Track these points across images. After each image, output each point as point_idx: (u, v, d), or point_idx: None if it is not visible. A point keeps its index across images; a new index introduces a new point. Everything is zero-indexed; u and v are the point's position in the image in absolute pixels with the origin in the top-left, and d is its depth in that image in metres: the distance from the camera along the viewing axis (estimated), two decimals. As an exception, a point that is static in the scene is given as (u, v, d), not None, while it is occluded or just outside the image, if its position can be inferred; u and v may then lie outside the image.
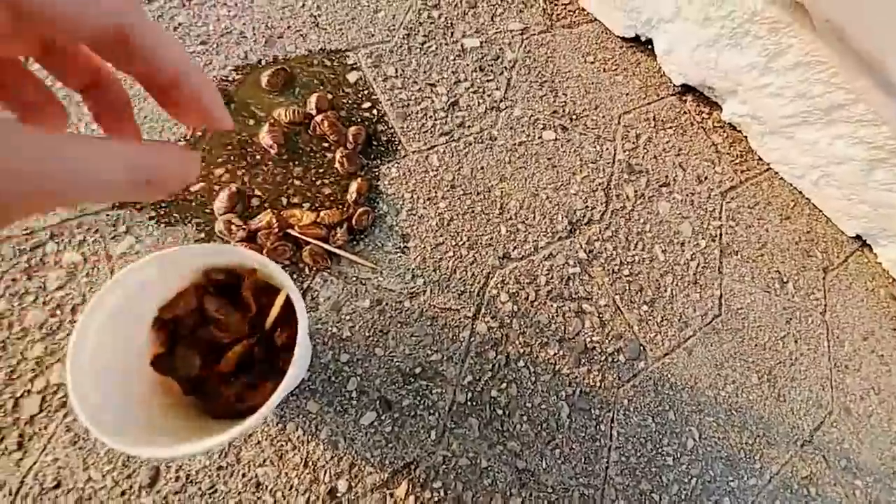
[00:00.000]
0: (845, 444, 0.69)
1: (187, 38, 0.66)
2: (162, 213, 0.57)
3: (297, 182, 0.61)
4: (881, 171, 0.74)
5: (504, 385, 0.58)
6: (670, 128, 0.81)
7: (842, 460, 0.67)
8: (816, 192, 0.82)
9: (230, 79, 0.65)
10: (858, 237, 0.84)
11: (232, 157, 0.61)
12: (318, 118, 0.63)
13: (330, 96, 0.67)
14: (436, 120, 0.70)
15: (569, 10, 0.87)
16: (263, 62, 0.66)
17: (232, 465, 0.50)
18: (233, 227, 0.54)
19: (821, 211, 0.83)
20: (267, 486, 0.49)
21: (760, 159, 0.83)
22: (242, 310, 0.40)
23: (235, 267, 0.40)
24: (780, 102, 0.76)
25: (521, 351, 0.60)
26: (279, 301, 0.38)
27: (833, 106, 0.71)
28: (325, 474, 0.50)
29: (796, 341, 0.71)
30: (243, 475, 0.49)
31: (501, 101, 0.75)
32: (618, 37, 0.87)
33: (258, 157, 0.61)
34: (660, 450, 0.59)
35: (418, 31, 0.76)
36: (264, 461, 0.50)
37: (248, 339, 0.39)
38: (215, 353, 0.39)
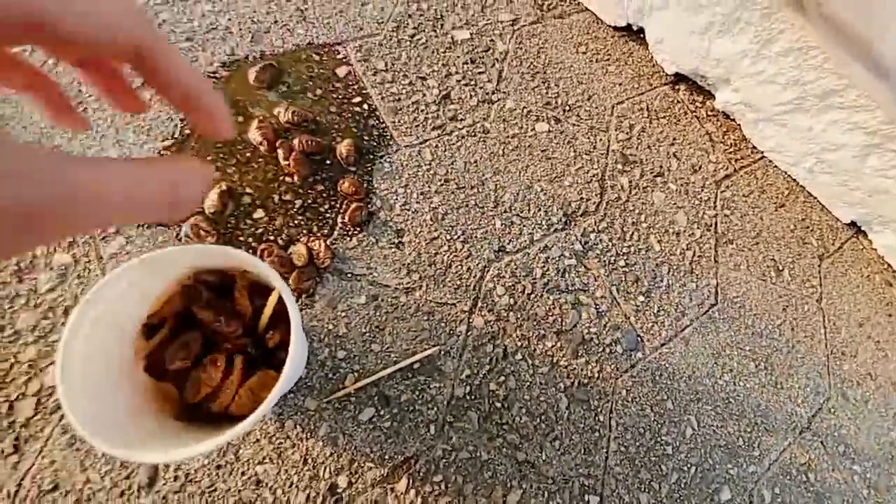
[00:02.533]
0: (843, 429, 0.69)
1: (172, 35, 0.65)
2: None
3: (288, 179, 0.61)
4: (875, 157, 0.74)
5: (502, 378, 0.58)
6: (664, 117, 0.81)
7: (840, 446, 0.68)
8: (811, 179, 0.82)
9: (217, 75, 0.64)
10: (853, 224, 0.85)
11: (221, 155, 0.60)
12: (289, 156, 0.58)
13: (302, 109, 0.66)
14: (427, 113, 0.70)
15: (559, 0, 0.86)
16: (251, 58, 0.66)
17: (231, 464, 0.49)
18: (201, 231, 0.53)
19: (815, 198, 0.83)
20: (267, 484, 0.49)
21: (754, 147, 0.83)
22: (237, 315, 0.40)
23: (226, 268, 0.39)
24: (774, 89, 0.75)
25: (519, 344, 0.60)
26: (271, 301, 0.37)
27: (826, 92, 0.71)
28: (324, 471, 0.50)
29: (793, 329, 0.71)
30: (242, 473, 0.49)
31: (493, 93, 0.74)
32: (609, 26, 0.86)
33: (248, 154, 0.60)
34: (658, 439, 0.59)
35: (407, 23, 0.75)
36: (263, 459, 0.50)
37: (239, 342, 0.38)
38: (208, 351, 0.39)
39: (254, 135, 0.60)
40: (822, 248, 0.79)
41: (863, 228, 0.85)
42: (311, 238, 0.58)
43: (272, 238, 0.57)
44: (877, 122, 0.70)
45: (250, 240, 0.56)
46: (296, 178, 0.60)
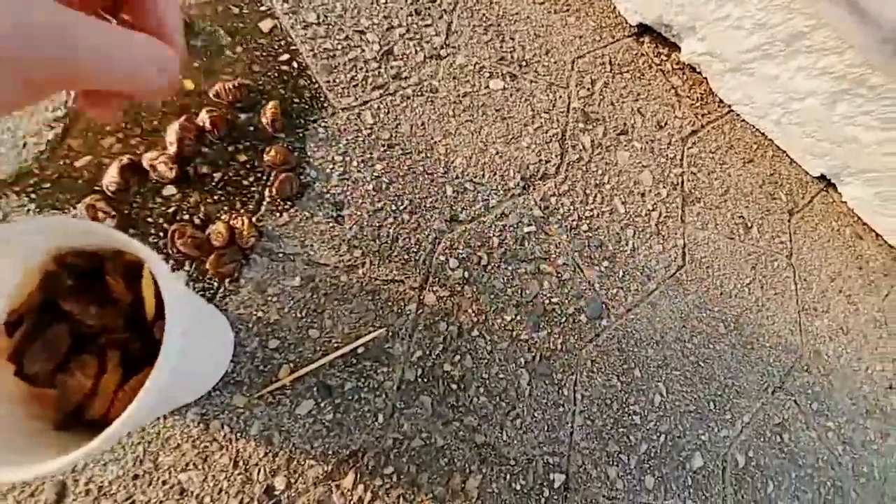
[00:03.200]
0: (816, 387, 0.67)
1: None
2: (42, 193, 0.48)
3: (205, 150, 0.53)
4: (843, 103, 0.70)
5: (458, 357, 0.53)
6: (627, 72, 0.75)
7: (813, 404, 0.66)
8: (779, 131, 0.78)
9: (115, 33, 0.55)
10: (823, 177, 0.82)
11: (125, 124, 0.52)
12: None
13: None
14: (367, 72, 0.63)
15: (513, -54, 0.78)
16: (154, 12, 0.57)
17: (150, 473, 0.44)
18: (99, 213, 0.46)
19: (784, 152, 0.80)
20: (192, 492, 0.44)
21: (721, 101, 0.79)
22: (112, 303, 0.33)
23: (94, 249, 0.32)
24: (740, 35, 0.71)
25: (475, 320, 0.55)
26: (147, 282, 0.31)
27: (793, 35, 0.67)
28: (258, 473, 0.45)
29: (762, 287, 0.68)
30: (164, 482, 0.44)
31: (442, 48, 0.67)
32: (568, -26, 0.79)
33: (155, 122, 0.52)
34: (626, 409, 0.56)
35: (342, -28, 0.67)
36: (187, 465, 0.44)
37: (119, 336, 0.32)
38: (82, 348, 0.32)
39: (204, 119, 0.51)
40: (791, 203, 0.77)
41: (832, 181, 0.82)
42: (234, 215, 0.51)
43: (186, 218, 0.50)
44: (845, 66, 0.66)
45: (160, 220, 0.49)
46: (217, 130, 0.52)
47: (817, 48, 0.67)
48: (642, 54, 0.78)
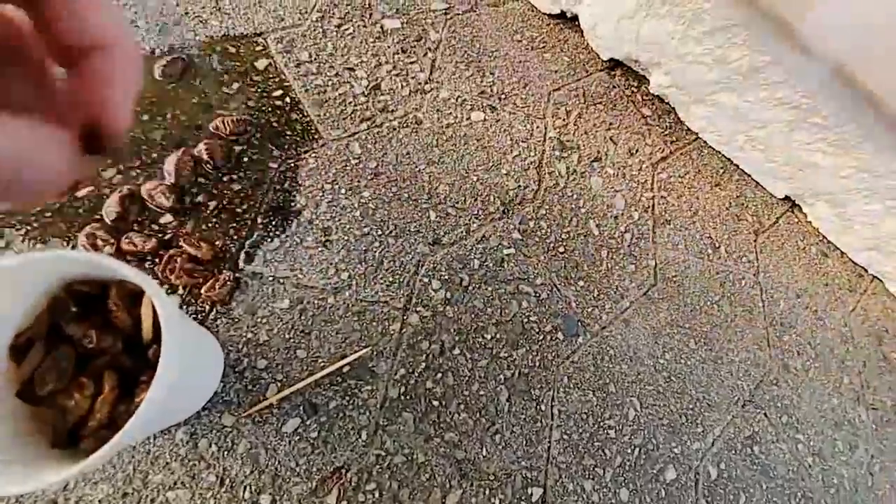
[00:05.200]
0: (785, 400, 0.70)
1: (70, 31, 0.60)
2: (44, 222, 0.51)
3: (201, 180, 0.57)
4: (801, 131, 0.76)
5: (439, 375, 0.56)
6: (600, 103, 0.81)
7: (783, 416, 0.69)
8: (743, 157, 0.83)
9: (119, 72, 0.59)
10: (787, 198, 0.87)
11: (125, 156, 0.55)
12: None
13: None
14: (356, 105, 0.67)
15: (493, -11, 0.85)
16: (157, 51, 0.61)
17: (139, 491, 0.45)
18: (98, 241, 0.49)
19: (749, 175, 0.85)
20: (179, 511, 0.45)
21: (689, 129, 0.84)
22: (113, 328, 0.36)
23: (98, 277, 0.35)
24: (702, 70, 0.76)
25: (457, 339, 0.58)
26: (146, 309, 0.34)
27: (750, 70, 0.72)
28: (244, 491, 0.46)
29: (731, 304, 0.72)
30: (152, 500, 0.45)
31: (426, 83, 0.72)
32: (544, 14, 0.86)
33: (154, 154, 0.56)
34: (602, 423, 0.58)
35: (333, 13, 0.72)
36: (174, 484, 0.46)
37: (118, 359, 0.34)
38: (81, 369, 0.35)
39: (201, 151, 0.55)
40: (757, 224, 0.81)
41: (797, 202, 0.87)
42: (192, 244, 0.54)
43: (181, 245, 0.53)
44: (799, 97, 0.72)
45: (158, 247, 0.52)
46: (213, 161, 0.55)
47: (773, 81, 0.73)
48: (614, 86, 0.83)
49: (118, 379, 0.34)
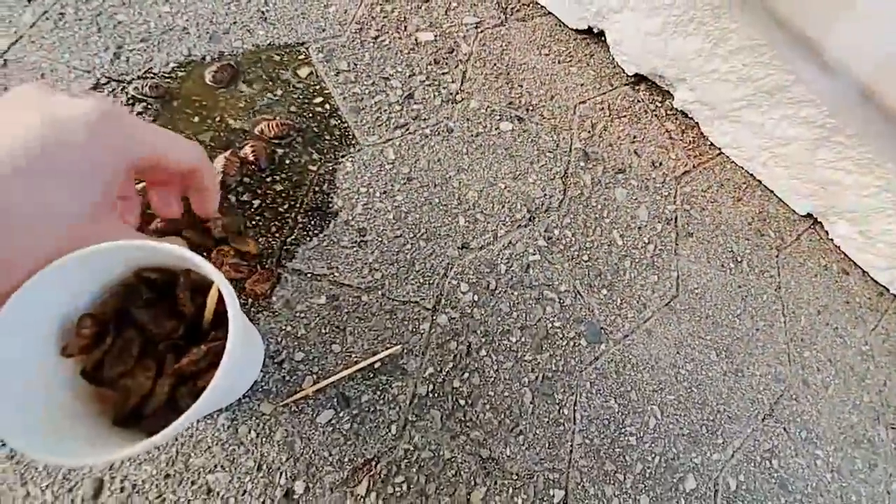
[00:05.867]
0: (805, 415, 0.70)
1: (128, 37, 0.64)
2: (101, 215, 0.54)
3: (246, 180, 0.60)
4: (824, 149, 0.77)
5: (466, 375, 0.57)
6: (625, 116, 0.83)
7: (802, 432, 0.69)
8: (766, 173, 0.84)
9: (173, 76, 0.63)
10: (809, 215, 0.88)
11: (176, 156, 0.59)
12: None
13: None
14: (391, 113, 0.70)
15: (522, 4, 0.88)
16: (208, 58, 0.65)
17: (181, 473, 0.48)
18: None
19: (772, 191, 0.86)
20: (218, 493, 0.47)
21: (712, 144, 0.85)
22: (179, 315, 0.38)
23: (170, 266, 0.38)
24: (727, 87, 0.78)
25: (483, 340, 0.60)
26: (212, 298, 0.36)
27: (775, 88, 0.74)
28: (280, 477, 0.49)
29: (752, 318, 0.73)
30: (192, 482, 0.47)
31: (457, 93, 0.75)
32: (571, 29, 0.88)
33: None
34: (623, 430, 0.59)
35: (371, 25, 0.76)
36: (215, 467, 0.48)
37: (176, 342, 0.37)
38: (148, 354, 0.37)
39: (247, 153, 0.59)
40: (779, 240, 0.82)
41: (819, 220, 0.88)
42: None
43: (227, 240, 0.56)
44: (823, 116, 0.73)
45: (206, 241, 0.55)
46: (258, 162, 0.59)
47: (798, 100, 0.74)
48: (638, 101, 0.85)
49: (177, 362, 0.37)
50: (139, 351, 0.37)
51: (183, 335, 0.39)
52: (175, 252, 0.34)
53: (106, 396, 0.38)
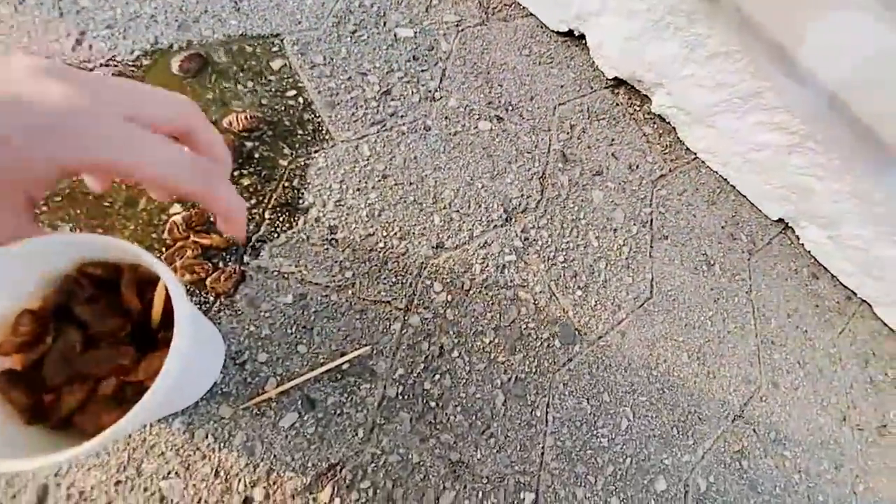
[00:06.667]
0: (774, 416, 0.71)
1: (91, 23, 0.61)
2: (53, 207, 0.52)
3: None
4: (796, 155, 0.78)
5: (437, 376, 0.56)
6: (603, 119, 0.83)
7: (771, 433, 0.70)
8: (740, 178, 0.86)
9: (138, 64, 0.60)
10: (781, 220, 0.89)
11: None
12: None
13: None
14: (367, 109, 0.69)
15: (504, 4, 0.88)
16: (175, 47, 0.62)
17: (132, 479, 0.45)
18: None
19: (745, 196, 0.87)
20: (172, 500, 0.45)
21: (688, 149, 0.86)
22: (123, 312, 0.36)
23: (113, 260, 0.36)
24: (703, 92, 0.79)
25: (456, 341, 0.59)
26: (159, 295, 0.34)
27: (750, 94, 0.75)
28: (238, 483, 0.47)
29: (724, 320, 0.74)
30: (145, 489, 0.45)
31: (436, 91, 0.74)
32: (552, 31, 0.88)
33: (167, 146, 0.57)
34: (595, 432, 0.59)
35: (349, 19, 0.74)
36: (169, 473, 0.46)
37: (123, 344, 0.35)
38: (89, 356, 0.35)
39: None
40: (751, 244, 0.83)
41: (790, 225, 0.89)
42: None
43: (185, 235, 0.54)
44: (797, 123, 0.74)
45: (165, 236, 0.53)
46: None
47: (771, 106, 0.75)
48: (617, 104, 0.86)
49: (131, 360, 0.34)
50: (81, 350, 0.35)
51: (130, 334, 0.37)
52: (120, 245, 0.32)
53: (14, 397, 0.35)
